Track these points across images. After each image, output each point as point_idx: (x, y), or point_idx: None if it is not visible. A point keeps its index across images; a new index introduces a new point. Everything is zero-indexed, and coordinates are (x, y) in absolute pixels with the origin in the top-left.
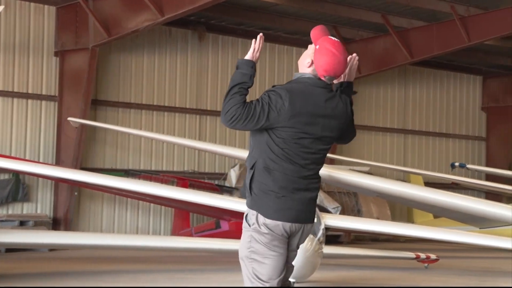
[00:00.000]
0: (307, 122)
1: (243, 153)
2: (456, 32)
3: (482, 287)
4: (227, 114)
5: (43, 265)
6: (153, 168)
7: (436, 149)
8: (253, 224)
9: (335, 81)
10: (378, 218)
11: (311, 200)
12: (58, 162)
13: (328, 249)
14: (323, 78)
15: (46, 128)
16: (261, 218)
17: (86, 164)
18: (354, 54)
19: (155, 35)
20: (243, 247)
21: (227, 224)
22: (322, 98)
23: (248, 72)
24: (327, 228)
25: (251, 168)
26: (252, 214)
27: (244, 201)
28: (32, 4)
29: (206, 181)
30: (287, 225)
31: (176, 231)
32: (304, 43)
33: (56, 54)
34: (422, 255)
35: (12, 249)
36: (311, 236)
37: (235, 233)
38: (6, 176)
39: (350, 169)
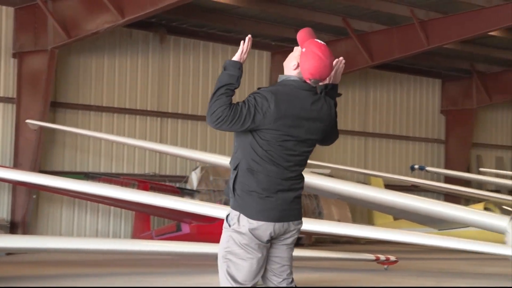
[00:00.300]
0: (291, 124)
1: (204, 156)
2: (416, 36)
3: (440, 287)
4: (213, 115)
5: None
6: (113, 171)
7: (396, 152)
8: (233, 224)
9: (320, 84)
10: (339, 220)
11: (295, 199)
12: (16, 164)
13: None
14: (308, 81)
15: (4, 130)
16: (244, 219)
17: (45, 166)
18: (341, 58)
19: (115, 36)
20: (221, 247)
21: (188, 227)
22: (307, 101)
23: (235, 74)
24: None
25: (235, 169)
26: (234, 215)
27: (204, 203)
28: None
29: (167, 183)
30: (271, 225)
31: (136, 234)
32: (264, 45)
33: (14, 55)
34: (382, 257)
35: None
36: None
37: (196, 236)
38: None
39: (311, 172)
